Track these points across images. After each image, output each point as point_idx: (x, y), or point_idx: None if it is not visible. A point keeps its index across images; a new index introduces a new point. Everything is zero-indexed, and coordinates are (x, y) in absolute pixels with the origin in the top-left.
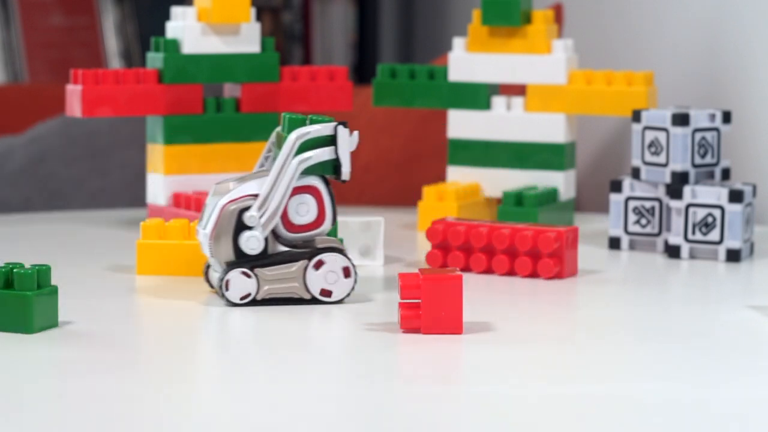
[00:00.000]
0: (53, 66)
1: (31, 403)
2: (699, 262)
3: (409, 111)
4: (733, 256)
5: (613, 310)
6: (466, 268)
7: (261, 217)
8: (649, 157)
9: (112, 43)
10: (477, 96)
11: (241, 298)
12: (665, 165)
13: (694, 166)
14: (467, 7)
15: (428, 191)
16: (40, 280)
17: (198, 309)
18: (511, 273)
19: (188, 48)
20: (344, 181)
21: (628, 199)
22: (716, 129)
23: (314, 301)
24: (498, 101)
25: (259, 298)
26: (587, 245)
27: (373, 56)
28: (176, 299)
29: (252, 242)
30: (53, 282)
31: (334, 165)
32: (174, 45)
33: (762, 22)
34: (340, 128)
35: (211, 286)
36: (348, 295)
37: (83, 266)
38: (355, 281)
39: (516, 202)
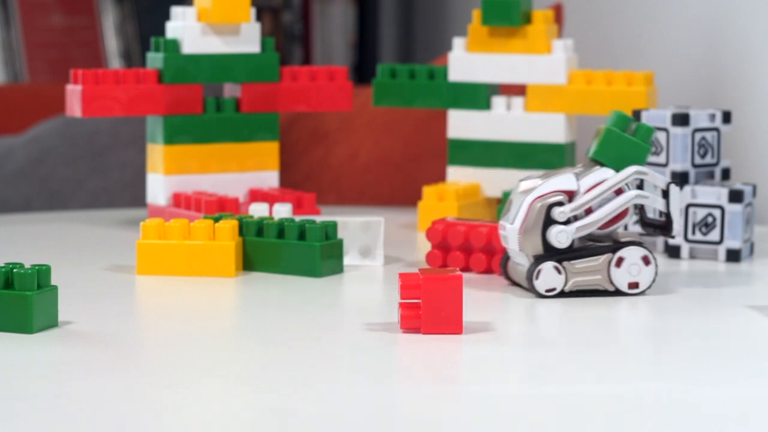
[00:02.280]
0: (53, 66)
1: (31, 403)
2: (699, 262)
3: (409, 111)
4: (733, 256)
5: (612, 310)
6: (466, 268)
7: (577, 221)
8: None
9: (112, 43)
10: (477, 96)
11: (547, 290)
12: (665, 165)
13: (694, 166)
14: (467, 7)
15: (428, 191)
16: (40, 280)
17: (198, 309)
18: None
19: (188, 48)
20: (673, 237)
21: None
22: (716, 129)
23: (618, 293)
24: (498, 101)
25: (566, 290)
26: None
27: (373, 56)
28: (176, 299)
29: (561, 237)
30: (53, 282)
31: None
32: (174, 45)
33: (762, 23)
34: (673, 187)
35: (508, 278)
36: (653, 282)
37: (83, 266)
38: (656, 266)
39: None
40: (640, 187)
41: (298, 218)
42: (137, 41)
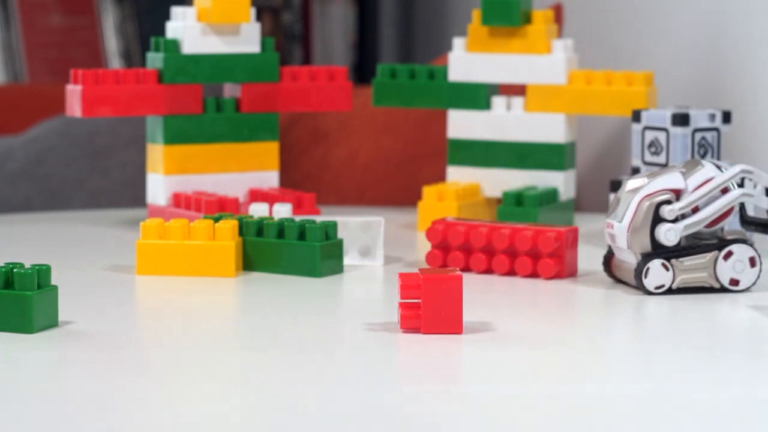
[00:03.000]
0: (53, 66)
1: (31, 403)
2: None
3: (409, 111)
4: None
5: (612, 310)
6: (466, 268)
7: (685, 219)
8: (649, 157)
9: (112, 43)
10: (477, 96)
11: (656, 288)
12: (665, 165)
13: None
14: (467, 7)
15: (428, 191)
16: (40, 280)
17: (198, 309)
18: (511, 273)
19: (188, 48)
20: None
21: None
22: (716, 129)
23: (723, 290)
24: (498, 101)
25: (674, 287)
26: (587, 245)
27: (373, 56)
28: (176, 299)
29: (670, 234)
30: (53, 282)
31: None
32: (174, 45)
33: (762, 22)
34: None
35: (611, 276)
36: (754, 283)
37: (83, 266)
38: (761, 270)
39: (516, 202)
40: (741, 185)
41: (298, 218)
42: (137, 41)
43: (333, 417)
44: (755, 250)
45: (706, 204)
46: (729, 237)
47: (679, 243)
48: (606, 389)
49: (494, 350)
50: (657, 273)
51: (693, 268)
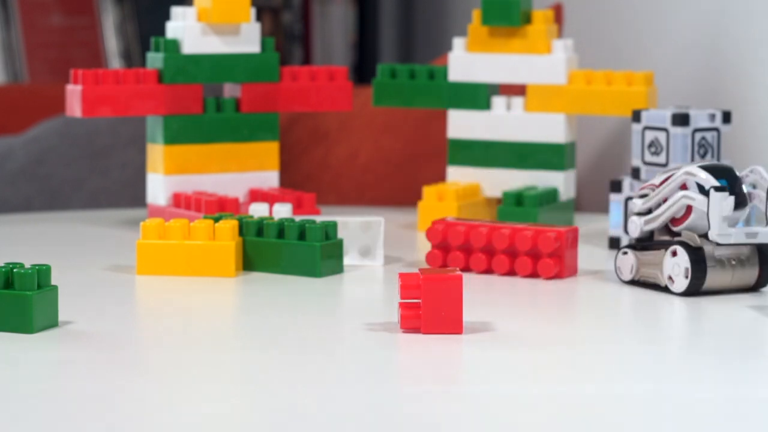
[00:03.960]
0: (53, 66)
1: (31, 403)
2: None
3: (409, 111)
4: None
5: (612, 310)
6: (466, 268)
7: (645, 215)
8: (649, 157)
9: (112, 43)
10: (477, 96)
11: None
12: (665, 165)
13: None
14: (467, 7)
15: (428, 191)
16: (40, 280)
17: (198, 309)
18: (511, 273)
19: (188, 48)
20: (718, 244)
21: (628, 199)
22: (716, 129)
23: (666, 290)
24: (498, 101)
25: (636, 278)
26: (587, 245)
27: (373, 56)
28: (176, 299)
29: (631, 226)
30: (53, 282)
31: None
32: (174, 45)
33: (762, 22)
34: (712, 192)
35: None
36: (683, 293)
37: (83, 266)
38: (690, 284)
39: (516, 202)
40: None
41: (298, 218)
42: (137, 41)
43: (333, 417)
44: (698, 262)
45: (660, 209)
46: (679, 239)
47: (651, 237)
48: (606, 389)
49: (494, 350)
50: (622, 262)
51: (650, 263)
